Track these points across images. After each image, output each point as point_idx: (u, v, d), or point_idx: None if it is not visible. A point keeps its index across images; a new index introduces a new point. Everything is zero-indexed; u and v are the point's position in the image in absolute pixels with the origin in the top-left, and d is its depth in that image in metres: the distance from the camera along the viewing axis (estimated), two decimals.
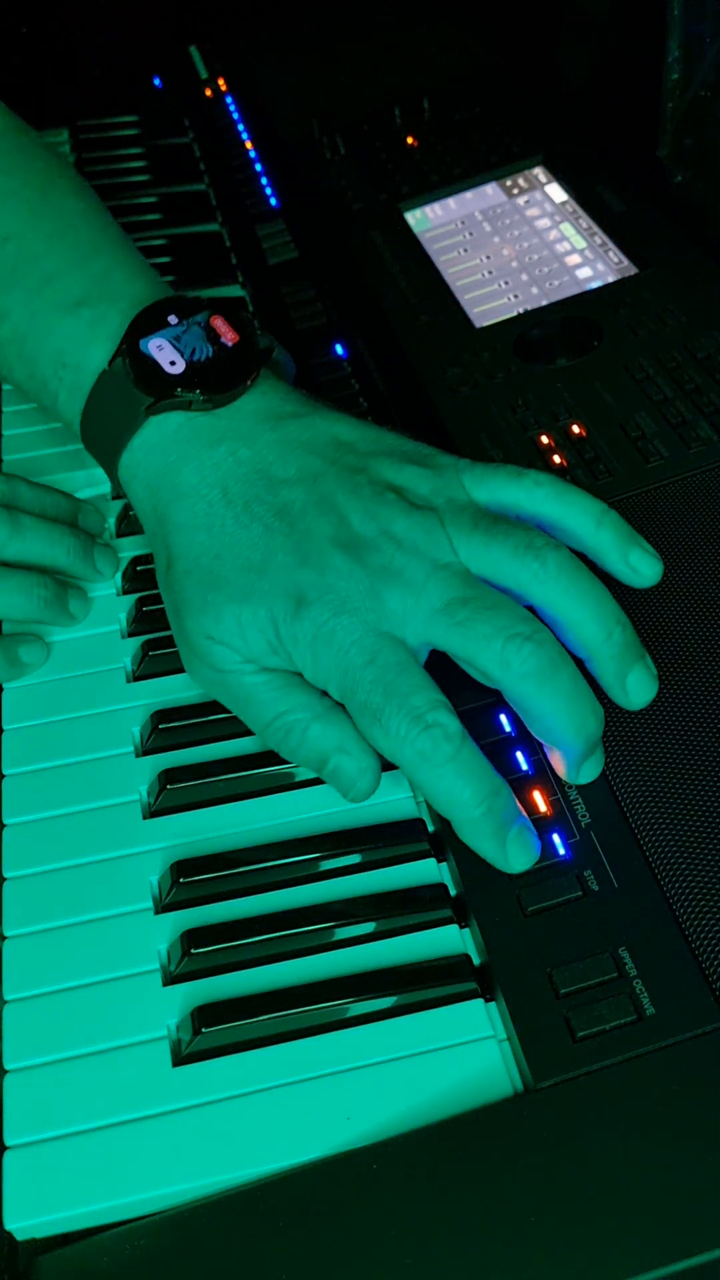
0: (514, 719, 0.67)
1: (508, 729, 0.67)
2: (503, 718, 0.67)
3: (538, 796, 0.64)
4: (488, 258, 1.02)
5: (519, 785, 0.64)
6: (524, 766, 0.65)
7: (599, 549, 0.65)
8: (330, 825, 0.66)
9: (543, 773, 0.65)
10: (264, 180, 1.20)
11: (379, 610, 0.62)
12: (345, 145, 1.19)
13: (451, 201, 1.09)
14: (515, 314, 0.94)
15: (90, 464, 0.90)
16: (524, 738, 0.66)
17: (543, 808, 0.63)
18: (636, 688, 0.63)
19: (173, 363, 0.72)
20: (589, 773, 0.63)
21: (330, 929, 0.62)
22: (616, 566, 0.65)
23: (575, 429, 0.82)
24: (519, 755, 0.66)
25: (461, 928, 0.62)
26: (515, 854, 0.60)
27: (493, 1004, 0.58)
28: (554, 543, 0.62)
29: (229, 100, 1.35)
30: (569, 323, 0.91)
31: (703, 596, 0.70)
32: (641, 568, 0.65)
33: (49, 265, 0.80)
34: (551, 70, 1.27)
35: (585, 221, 1.01)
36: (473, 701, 0.69)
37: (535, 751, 0.66)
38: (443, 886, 0.63)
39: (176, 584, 0.68)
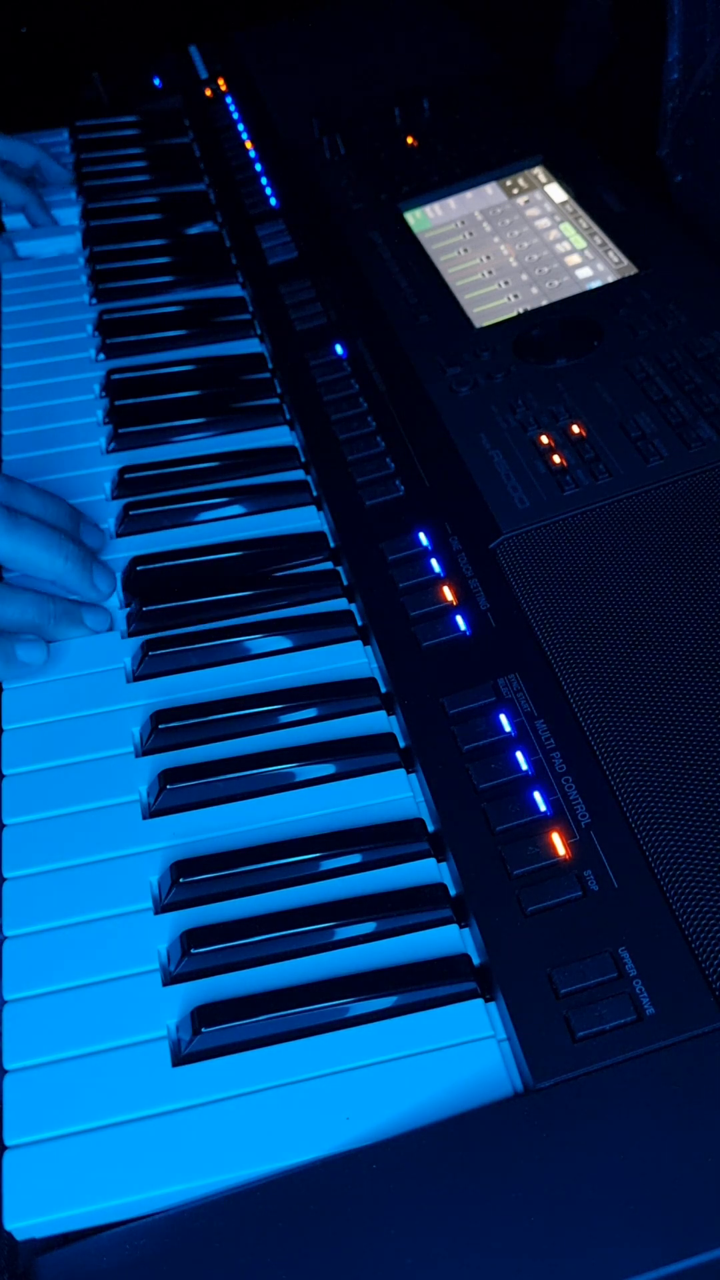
0: (514, 719, 0.67)
1: (508, 729, 0.67)
2: (502, 718, 0.67)
3: (538, 797, 0.64)
4: (488, 258, 1.02)
5: (519, 786, 0.64)
6: (524, 767, 0.65)
7: None
8: (330, 825, 0.66)
9: (542, 773, 0.65)
10: (264, 180, 1.20)
11: None
12: (345, 145, 1.19)
13: (451, 201, 1.09)
14: (515, 314, 0.94)
15: (88, 464, 0.91)
16: (524, 738, 0.66)
17: (543, 808, 0.63)
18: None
19: None
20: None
21: (330, 929, 0.62)
22: None
23: (575, 429, 0.82)
24: (519, 755, 0.66)
25: (461, 928, 0.62)
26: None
27: (493, 1004, 0.58)
28: None
29: (229, 100, 1.35)
30: (569, 323, 0.91)
31: (703, 597, 0.70)
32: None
33: None
34: (551, 70, 1.27)
35: (585, 221, 1.01)
36: (473, 701, 0.69)
37: (535, 752, 0.66)
38: (443, 886, 0.63)
39: None
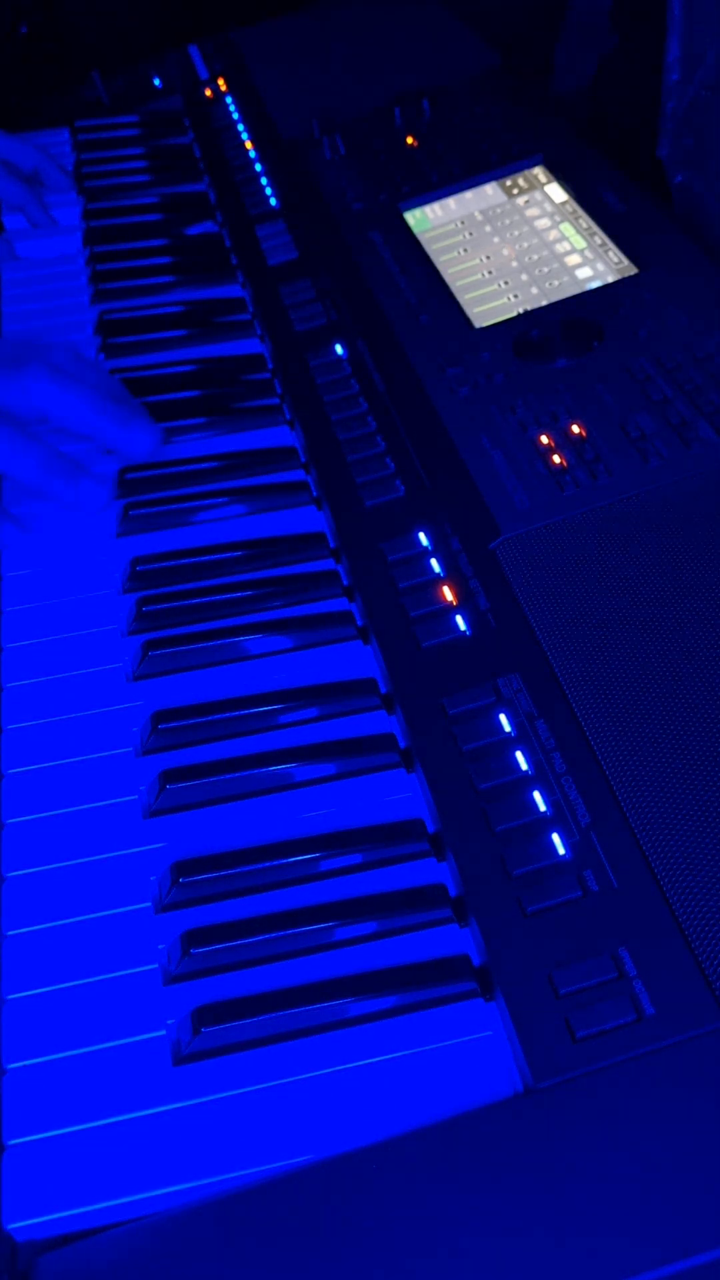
0: (514, 719, 0.67)
1: (508, 729, 0.67)
2: (502, 718, 0.67)
3: (537, 797, 0.64)
4: (488, 258, 1.02)
5: (519, 786, 0.64)
6: (524, 767, 0.65)
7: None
8: (330, 825, 0.66)
9: (542, 773, 0.65)
10: (264, 180, 1.20)
11: None
12: (345, 145, 1.19)
13: (451, 201, 1.09)
14: (515, 314, 0.94)
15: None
16: (524, 738, 0.66)
17: (542, 807, 0.63)
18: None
19: None
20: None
21: (330, 929, 0.62)
22: None
23: (575, 429, 0.82)
24: (519, 755, 0.66)
25: (461, 928, 0.62)
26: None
27: (493, 1004, 0.58)
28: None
29: (229, 100, 1.35)
30: (569, 323, 0.91)
31: (703, 597, 0.70)
32: None
33: None
34: (551, 70, 1.27)
35: (585, 221, 1.01)
36: (473, 701, 0.69)
37: (535, 752, 0.66)
38: (443, 887, 0.63)
39: None
